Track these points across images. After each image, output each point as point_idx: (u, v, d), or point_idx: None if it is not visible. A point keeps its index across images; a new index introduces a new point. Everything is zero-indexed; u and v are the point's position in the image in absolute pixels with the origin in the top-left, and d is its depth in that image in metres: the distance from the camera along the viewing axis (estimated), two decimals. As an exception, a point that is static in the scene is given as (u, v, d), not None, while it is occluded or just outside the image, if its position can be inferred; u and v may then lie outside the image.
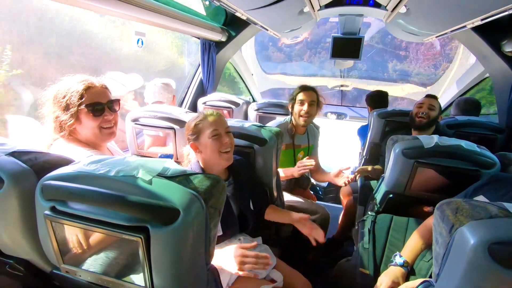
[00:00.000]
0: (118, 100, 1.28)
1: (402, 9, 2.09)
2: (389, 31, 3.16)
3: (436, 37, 2.46)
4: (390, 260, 1.29)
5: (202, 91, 2.89)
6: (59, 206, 0.68)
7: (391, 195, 1.50)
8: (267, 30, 2.79)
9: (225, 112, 2.75)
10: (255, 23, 2.42)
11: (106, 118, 1.21)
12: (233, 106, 2.62)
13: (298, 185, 2.23)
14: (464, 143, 1.35)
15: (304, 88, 2.00)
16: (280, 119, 2.14)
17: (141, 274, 0.67)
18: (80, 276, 0.73)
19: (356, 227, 1.69)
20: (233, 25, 2.91)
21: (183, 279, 0.67)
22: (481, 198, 1.14)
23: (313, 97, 1.99)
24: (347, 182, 1.89)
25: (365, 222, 1.51)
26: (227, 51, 3.00)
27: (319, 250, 2.17)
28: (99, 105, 1.19)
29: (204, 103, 2.67)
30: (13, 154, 0.80)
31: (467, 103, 2.56)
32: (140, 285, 0.68)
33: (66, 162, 0.85)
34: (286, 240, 1.79)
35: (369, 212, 1.59)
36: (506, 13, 1.45)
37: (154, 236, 0.62)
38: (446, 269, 0.68)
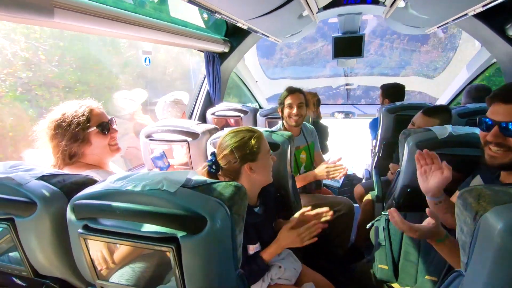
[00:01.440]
0: (112, 118, 1.32)
1: (400, 3, 2.11)
2: (389, 26, 3.17)
3: (438, 27, 2.46)
4: (407, 255, 1.28)
5: (209, 102, 2.94)
6: (91, 223, 0.71)
7: (408, 189, 1.49)
8: (268, 37, 2.84)
9: (232, 121, 2.79)
10: (256, 31, 2.47)
11: (112, 135, 1.28)
12: (241, 115, 2.66)
13: (307, 190, 2.20)
14: (478, 130, 1.34)
15: (291, 91, 2.03)
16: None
17: (172, 283, 0.69)
18: (115, 290, 0.76)
19: (373, 226, 1.69)
20: (235, 35, 2.97)
21: (214, 284, 0.69)
22: (477, 178, 1.20)
23: (301, 98, 2.01)
24: (341, 176, 1.87)
25: (380, 221, 1.52)
26: (230, 61, 3.06)
27: (339, 256, 2.17)
28: (106, 124, 1.25)
29: (213, 113, 2.72)
30: (43, 178, 0.84)
31: (478, 90, 2.53)
32: (174, 295, 0.70)
33: (92, 181, 0.89)
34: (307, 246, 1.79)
35: (382, 212, 1.58)
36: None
37: (184, 245, 0.64)
38: (475, 257, 0.68)
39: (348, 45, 3.17)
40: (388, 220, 1.48)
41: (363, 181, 3.65)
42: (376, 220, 1.54)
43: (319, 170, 1.88)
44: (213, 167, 1.20)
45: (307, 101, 2.07)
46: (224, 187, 0.74)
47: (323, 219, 1.34)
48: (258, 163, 1.19)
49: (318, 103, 3.04)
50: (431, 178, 1.10)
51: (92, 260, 0.74)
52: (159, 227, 0.66)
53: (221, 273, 0.70)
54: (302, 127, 2.18)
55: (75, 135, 1.18)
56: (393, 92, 2.85)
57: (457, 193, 1.23)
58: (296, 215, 1.36)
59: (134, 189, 0.70)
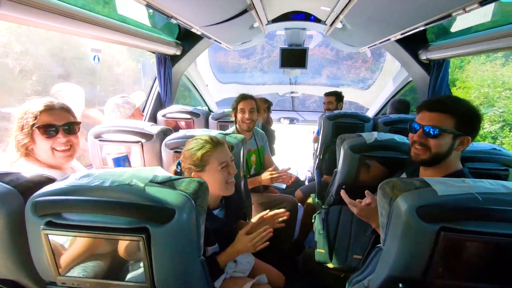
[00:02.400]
0: (77, 123, 1.30)
1: (338, 24, 2.41)
2: (330, 43, 3.54)
3: (368, 47, 2.85)
4: (340, 240, 1.50)
5: (160, 104, 2.91)
6: (55, 219, 0.72)
7: (343, 186, 1.73)
8: (220, 43, 2.94)
9: (183, 123, 2.81)
10: (209, 38, 2.56)
11: (58, 141, 1.23)
12: (193, 117, 2.69)
13: (255, 189, 2.29)
14: (397, 137, 1.63)
15: (243, 97, 2.19)
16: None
17: (140, 272, 0.75)
18: (78, 285, 0.77)
19: (313, 220, 1.91)
20: (187, 38, 3.00)
21: (180, 271, 0.76)
22: (403, 175, 1.48)
23: (252, 104, 2.18)
24: (290, 182, 2.07)
25: (320, 214, 1.74)
26: (182, 64, 3.07)
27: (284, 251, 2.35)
28: (51, 127, 1.21)
29: (164, 115, 2.70)
30: (-5, 176, 0.81)
31: (399, 103, 3.01)
32: (140, 282, 0.75)
33: (48, 180, 0.88)
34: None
35: (322, 206, 1.82)
36: (419, 29, 1.80)
37: (154, 235, 0.71)
38: (389, 233, 0.88)
39: (293, 57, 3.44)
40: (326, 213, 1.70)
41: (306, 182, 3.96)
42: (318, 213, 1.76)
43: (264, 176, 2.05)
44: (178, 168, 1.29)
45: (258, 107, 2.23)
46: (188, 182, 0.82)
47: (280, 219, 1.44)
48: (206, 174, 1.22)
49: (268, 108, 3.24)
50: (363, 214, 1.28)
51: (54, 256, 0.75)
52: (129, 219, 0.71)
53: (187, 260, 0.78)
54: (253, 132, 2.33)
55: (21, 126, 1.19)
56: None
57: None
58: (254, 219, 1.39)
59: (102, 184, 0.74)
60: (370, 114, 4.30)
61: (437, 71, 2.45)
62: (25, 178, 0.85)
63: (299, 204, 2.75)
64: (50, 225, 0.72)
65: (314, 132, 4.03)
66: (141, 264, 0.74)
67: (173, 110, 2.71)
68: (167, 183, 0.79)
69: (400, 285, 0.85)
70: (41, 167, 1.24)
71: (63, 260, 0.76)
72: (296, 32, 3.30)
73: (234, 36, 2.84)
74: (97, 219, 0.72)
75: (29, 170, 1.14)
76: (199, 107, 2.97)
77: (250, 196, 1.84)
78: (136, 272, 0.77)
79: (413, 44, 2.64)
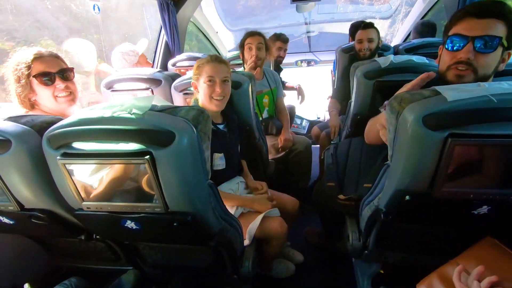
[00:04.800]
0: (70, 69, 1.30)
1: None
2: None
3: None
4: (350, 172, 1.51)
5: (169, 53, 2.86)
6: (68, 150, 0.78)
7: (358, 117, 1.68)
8: (224, -20, 2.73)
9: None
10: (211, -26, 2.37)
11: (58, 87, 1.25)
12: (204, 63, 2.64)
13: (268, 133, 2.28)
14: (415, 58, 1.51)
15: (250, 34, 2.07)
16: None
17: (152, 194, 0.81)
18: (101, 208, 0.86)
19: (323, 157, 1.91)
20: (187, -21, 2.81)
21: (188, 192, 0.82)
22: None
23: (260, 40, 2.06)
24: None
25: (329, 149, 1.73)
26: (186, 9, 2.92)
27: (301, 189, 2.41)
28: (47, 75, 1.22)
29: (174, 64, 2.67)
30: (10, 118, 0.87)
31: (423, 26, 2.70)
32: (156, 204, 0.82)
33: (59, 119, 0.93)
34: (272, 177, 1.98)
35: (331, 142, 1.79)
36: None
37: (157, 157, 0.74)
38: (396, 147, 0.86)
39: (306, -12, 3.14)
40: (335, 148, 1.68)
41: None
42: (327, 149, 1.75)
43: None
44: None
45: (267, 45, 2.12)
46: (188, 110, 0.84)
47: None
48: (199, 85, 1.40)
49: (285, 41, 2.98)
50: None
51: (75, 184, 0.82)
52: (133, 144, 0.75)
53: (193, 182, 0.82)
54: (265, 73, 2.24)
55: (17, 78, 1.20)
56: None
57: None
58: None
59: (105, 115, 0.77)
60: (395, 43, 3.96)
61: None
62: (39, 119, 0.91)
63: (316, 145, 2.75)
64: (65, 155, 0.78)
65: (332, 71, 3.84)
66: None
67: (183, 58, 2.67)
68: (166, 110, 0.81)
69: (407, 197, 0.85)
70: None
71: (84, 192, 0.84)
72: (306, -42, 2.97)
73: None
74: (105, 147, 0.76)
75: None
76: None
77: (264, 134, 1.85)
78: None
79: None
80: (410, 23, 3.52)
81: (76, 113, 0.83)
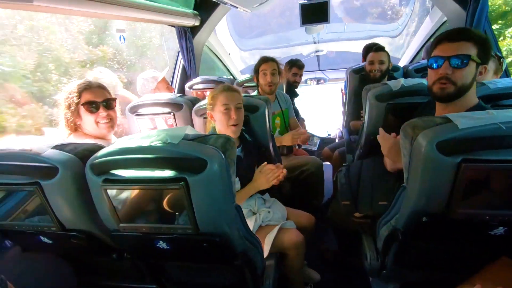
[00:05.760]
0: (113, 99, 1.47)
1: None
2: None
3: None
4: (364, 190, 1.54)
5: (186, 76, 3.01)
6: (109, 176, 0.86)
7: (372, 137, 1.73)
8: (237, 7, 2.89)
9: (208, 93, 2.90)
10: (226, 3, 2.52)
11: (100, 115, 1.41)
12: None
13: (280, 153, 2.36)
14: (425, 80, 1.57)
15: (265, 60, 2.19)
16: None
17: (184, 216, 0.87)
18: (136, 229, 0.93)
19: (335, 179, 1.95)
20: (203, 8, 2.99)
21: (217, 214, 0.88)
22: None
23: (274, 66, 2.18)
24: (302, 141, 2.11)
25: (341, 171, 1.77)
26: (202, 34, 3.09)
27: (316, 206, 2.44)
28: (93, 104, 1.39)
29: (191, 87, 2.80)
30: (56, 147, 0.97)
31: None
32: (187, 226, 0.88)
33: (99, 147, 1.02)
34: (286, 195, 2.03)
35: (343, 164, 1.85)
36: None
37: (191, 183, 0.81)
38: (412, 171, 0.91)
39: (314, 12, 3.27)
40: (347, 169, 1.73)
41: (337, 140, 3.94)
42: (339, 171, 1.80)
43: (286, 136, 2.11)
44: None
45: (280, 70, 2.23)
46: (216, 138, 0.91)
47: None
48: (214, 114, 1.48)
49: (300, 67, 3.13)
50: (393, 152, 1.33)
51: (114, 207, 0.90)
52: (169, 171, 0.82)
53: (222, 205, 0.89)
54: (276, 94, 2.35)
55: (69, 105, 1.38)
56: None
57: None
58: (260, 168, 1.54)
59: (143, 145, 0.85)
60: (403, 63, 4.04)
61: (474, 4, 2.21)
62: (81, 147, 1.00)
63: (327, 163, 2.79)
64: (107, 181, 0.86)
65: (342, 90, 3.91)
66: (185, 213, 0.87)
67: (199, 81, 2.80)
68: (197, 139, 0.89)
69: (424, 218, 0.90)
70: (89, 139, 1.43)
71: (121, 215, 0.92)
72: (315, -16, 3.11)
73: (250, -3, 2.77)
74: (143, 174, 0.84)
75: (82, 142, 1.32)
76: (224, 77, 3.02)
77: (279, 153, 1.91)
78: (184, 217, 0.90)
79: (445, -24, 2.39)
80: (418, 43, 3.61)
81: (116, 142, 0.92)
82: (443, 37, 1.17)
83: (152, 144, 0.85)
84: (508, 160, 0.74)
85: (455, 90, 1.15)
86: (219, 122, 1.47)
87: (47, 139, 1.29)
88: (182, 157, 0.81)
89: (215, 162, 0.82)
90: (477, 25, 2.24)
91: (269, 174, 1.45)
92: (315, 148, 4.35)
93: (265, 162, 1.51)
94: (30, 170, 0.90)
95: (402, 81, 1.60)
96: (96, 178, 0.88)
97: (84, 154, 0.97)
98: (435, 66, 1.17)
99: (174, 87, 2.97)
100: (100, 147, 1.02)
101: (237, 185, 1.47)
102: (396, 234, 1.03)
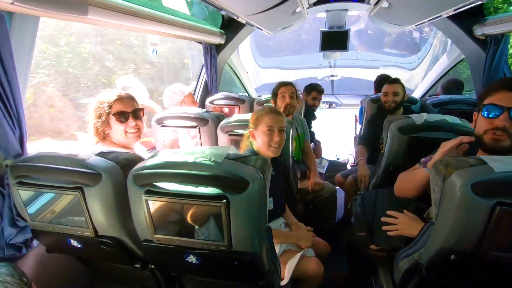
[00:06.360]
0: (141, 109, 1.52)
1: (384, 3, 2.34)
2: (373, 23, 3.42)
3: (416, 25, 2.73)
4: (379, 221, 1.55)
5: (207, 91, 3.09)
6: (152, 188, 0.89)
7: (391, 167, 1.76)
8: (262, 30, 3.01)
9: (226, 110, 2.97)
10: (252, 25, 2.63)
11: (130, 125, 1.45)
12: (239, 104, 2.83)
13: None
14: (449, 118, 1.61)
15: (283, 84, 2.25)
16: None
17: (218, 234, 0.90)
18: (169, 242, 0.95)
19: (349, 207, 1.96)
20: (230, 27, 3.11)
21: (251, 233, 0.90)
22: None
23: (292, 90, 2.24)
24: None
25: (356, 199, 1.79)
26: (226, 52, 3.20)
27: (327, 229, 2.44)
28: (124, 114, 1.43)
29: (211, 102, 2.87)
30: (99, 154, 1.01)
31: (450, 83, 2.84)
32: (220, 242, 0.90)
33: (139, 158, 1.06)
34: (300, 218, 2.04)
35: (357, 193, 1.86)
36: (475, 3, 1.71)
37: (232, 202, 0.84)
38: (442, 208, 0.93)
39: (334, 39, 3.38)
40: (362, 198, 1.74)
41: (348, 166, 3.96)
42: (354, 199, 1.81)
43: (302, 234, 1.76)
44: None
45: (297, 94, 2.30)
46: (256, 159, 0.95)
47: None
48: (257, 133, 1.52)
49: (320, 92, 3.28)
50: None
51: (152, 218, 0.92)
52: (212, 188, 0.85)
53: (257, 225, 0.91)
54: (294, 118, 2.39)
55: (100, 115, 1.42)
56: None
57: None
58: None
59: (188, 160, 0.89)
60: (417, 95, 4.11)
61: (494, 47, 2.29)
62: (122, 156, 1.04)
63: (338, 187, 2.80)
64: (149, 193, 0.89)
65: (356, 116, 3.97)
66: (208, 227, 0.91)
67: (220, 97, 2.87)
68: (239, 159, 0.92)
69: (452, 256, 0.91)
70: (116, 147, 1.47)
71: (157, 226, 0.94)
72: (338, 14, 3.24)
73: (276, 22, 2.88)
74: (185, 189, 0.87)
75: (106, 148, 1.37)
76: (243, 94, 3.10)
77: (297, 175, 1.94)
78: (205, 234, 0.92)
79: (467, 19, 2.48)
80: (434, 77, 3.69)
81: (160, 155, 0.96)
82: (502, 85, 1.07)
83: (197, 160, 0.88)
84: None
85: (510, 144, 1.05)
86: (261, 141, 1.50)
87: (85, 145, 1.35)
88: (225, 176, 0.85)
89: (256, 183, 0.85)
90: (497, 67, 2.30)
91: (306, 236, 1.58)
92: (323, 171, 4.36)
93: (310, 227, 1.65)
94: (75, 174, 0.94)
95: (425, 116, 1.64)
96: (138, 188, 0.91)
97: (124, 163, 1.01)
98: (490, 115, 1.08)
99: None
100: (139, 158, 1.06)
101: (271, 204, 1.50)
102: (418, 269, 1.03)
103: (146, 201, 0.90)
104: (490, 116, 1.07)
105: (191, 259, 0.97)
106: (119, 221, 1.00)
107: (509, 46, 2.34)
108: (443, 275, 1.01)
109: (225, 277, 1.08)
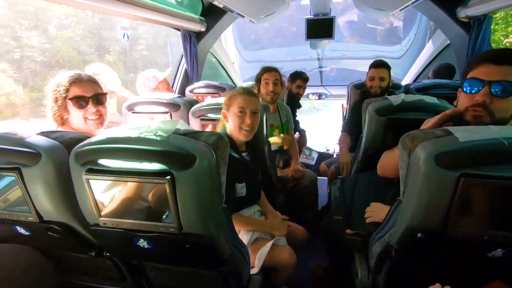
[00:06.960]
0: (104, 94, 1.40)
1: (367, -14, 2.28)
2: (357, 9, 3.35)
3: (400, 9, 2.67)
4: (357, 206, 1.50)
5: (187, 80, 3.01)
6: (94, 166, 0.82)
7: (369, 151, 1.70)
8: (244, 17, 2.92)
9: (209, 98, 2.89)
10: (232, 11, 2.55)
11: (89, 111, 1.34)
12: (219, 92, 2.76)
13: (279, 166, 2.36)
14: (426, 98, 1.56)
15: (267, 70, 2.17)
16: None
17: (170, 215, 0.83)
18: (117, 225, 0.88)
19: (329, 191, 1.91)
20: (210, 15, 3.02)
21: (203, 214, 0.84)
22: None
23: (276, 76, 2.15)
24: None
25: (336, 183, 1.74)
26: (207, 41, 3.12)
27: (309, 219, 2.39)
28: (82, 99, 1.31)
29: (191, 91, 2.79)
30: (42, 133, 0.93)
31: (442, 68, 2.77)
32: (170, 224, 0.84)
33: (86, 137, 0.98)
34: (280, 207, 1.98)
35: (337, 177, 1.81)
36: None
37: (177, 178, 0.78)
38: (408, 184, 0.87)
39: (320, 27, 3.32)
40: (342, 181, 1.69)
41: (335, 155, 3.92)
42: (333, 183, 1.76)
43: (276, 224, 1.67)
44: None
45: (282, 80, 2.22)
46: (209, 135, 0.88)
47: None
48: (229, 114, 1.46)
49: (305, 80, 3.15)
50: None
51: (95, 200, 0.85)
52: (156, 164, 0.79)
53: (209, 205, 0.85)
54: (278, 107, 2.32)
55: (56, 99, 1.30)
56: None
57: None
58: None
59: (132, 135, 0.82)
60: (405, 83, 4.07)
61: (477, 29, 2.24)
62: (68, 135, 0.96)
63: (322, 177, 2.76)
64: (91, 171, 0.82)
65: (343, 105, 3.92)
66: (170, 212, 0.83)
67: (200, 85, 2.79)
68: (189, 134, 0.85)
69: (419, 234, 0.85)
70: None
71: (104, 209, 0.87)
72: (322, 0, 3.17)
73: (257, 8, 2.80)
74: (129, 166, 0.80)
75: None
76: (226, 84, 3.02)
77: (274, 162, 1.88)
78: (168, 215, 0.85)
79: (450, 1, 2.42)
80: (421, 64, 3.65)
81: (104, 132, 0.89)
82: (488, 57, 0.97)
83: (141, 135, 0.81)
84: (510, 177, 0.71)
85: (491, 121, 0.96)
86: (232, 123, 1.44)
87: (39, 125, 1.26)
88: (170, 151, 0.78)
89: (205, 159, 0.79)
90: (480, 49, 2.26)
91: (281, 225, 1.52)
92: (312, 163, 4.32)
93: (285, 216, 1.61)
94: (11, 153, 0.86)
95: (402, 96, 1.59)
96: (79, 167, 0.84)
97: (70, 142, 0.93)
98: (471, 91, 0.99)
99: (174, 89, 2.96)
100: (87, 138, 0.98)
101: (243, 190, 1.43)
102: (389, 251, 0.98)
103: (88, 180, 0.83)
104: (471, 91, 0.99)
105: (142, 243, 0.91)
106: (65, 205, 0.93)
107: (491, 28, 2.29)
108: (413, 256, 0.96)
109: (181, 263, 1.02)
